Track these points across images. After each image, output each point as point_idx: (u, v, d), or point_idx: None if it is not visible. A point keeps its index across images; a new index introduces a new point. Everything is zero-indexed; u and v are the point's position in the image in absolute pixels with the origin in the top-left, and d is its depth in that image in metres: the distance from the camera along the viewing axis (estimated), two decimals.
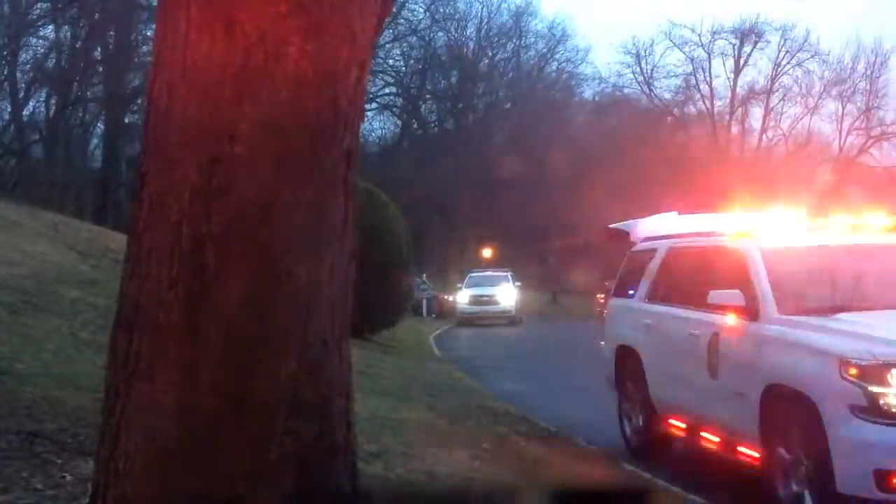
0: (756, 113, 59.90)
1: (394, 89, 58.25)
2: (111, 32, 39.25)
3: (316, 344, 3.22)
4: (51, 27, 38.53)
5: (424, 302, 39.67)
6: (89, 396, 5.66)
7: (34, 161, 39.34)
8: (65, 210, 25.66)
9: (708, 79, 59.49)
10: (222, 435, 3.07)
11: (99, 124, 42.32)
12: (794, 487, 6.40)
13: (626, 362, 9.47)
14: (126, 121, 38.79)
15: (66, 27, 38.85)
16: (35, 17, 38.30)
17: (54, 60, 39.47)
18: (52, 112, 39.61)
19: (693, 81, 59.96)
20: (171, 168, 3.15)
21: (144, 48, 35.74)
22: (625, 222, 10.98)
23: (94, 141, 43.62)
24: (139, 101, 34.65)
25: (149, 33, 33.97)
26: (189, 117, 3.12)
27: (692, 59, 58.89)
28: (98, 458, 3.29)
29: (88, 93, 40.23)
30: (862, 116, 56.70)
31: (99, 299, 10.71)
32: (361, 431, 4.02)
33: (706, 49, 58.58)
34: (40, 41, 39.27)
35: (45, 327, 9.26)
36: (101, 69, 39.99)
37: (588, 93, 63.54)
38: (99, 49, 39.98)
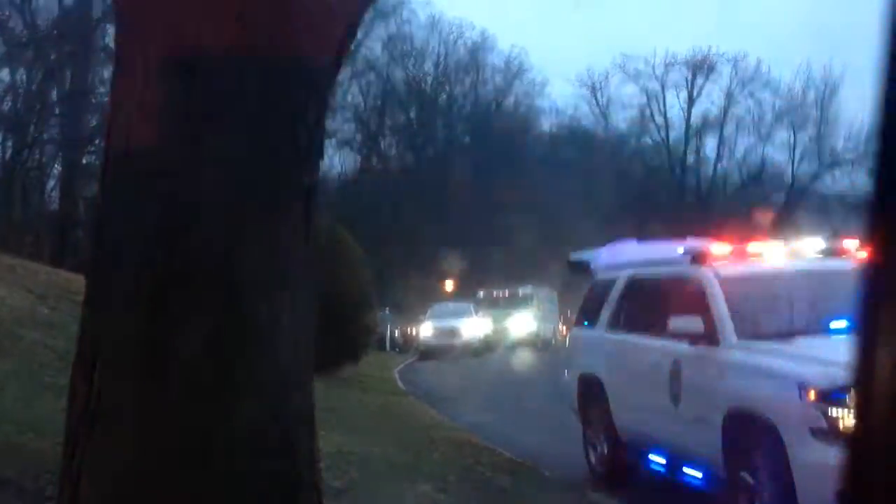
0: (710, 143, 60.78)
1: (353, 125, 58.34)
2: (68, 74, 39.03)
3: (279, 381, 3.22)
4: (6, 70, 38.24)
5: (388, 336, 39.55)
6: (50, 441, 5.58)
7: None
8: (22, 252, 25.31)
9: (662, 110, 60.33)
10: (185, 476, 3.05)
11: (56, 166, 41.96)
12: None
13: (590, 391, 9.51)
14: (84, 162, 38.48)
15: (22, 69, 38.58)
16: None
17: (10, 103, 39.14)
18: (8, 154, 39.22)
19: (648, 113, 60.76)
20: (130, 209, 3.15)
21: (101, 89, 35.51)
22: (585, 252, 11.07)
23: (52, 182, 43.21)
24: (97, 142, 34.43)
25: (106, 74, 33.81)
26: (147, 158, 3.12)
27: (646, 91, 59.72)
28: (59, 502, 3.25)
29: (45, 135, 39.89)
30: (813, 144, 57.68)
31: (58, 342, 10.57)
32: (327, 468, 4.01)
33: (660, 81, 59.46)
34: None
35: (3, 370, 9.12)
36: (57, 111, 39.71)
37: (545, 125, 64.14)
38: (55, 91, 39.72)
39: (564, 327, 37.26)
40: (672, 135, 60.68)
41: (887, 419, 1.23)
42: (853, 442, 1.35)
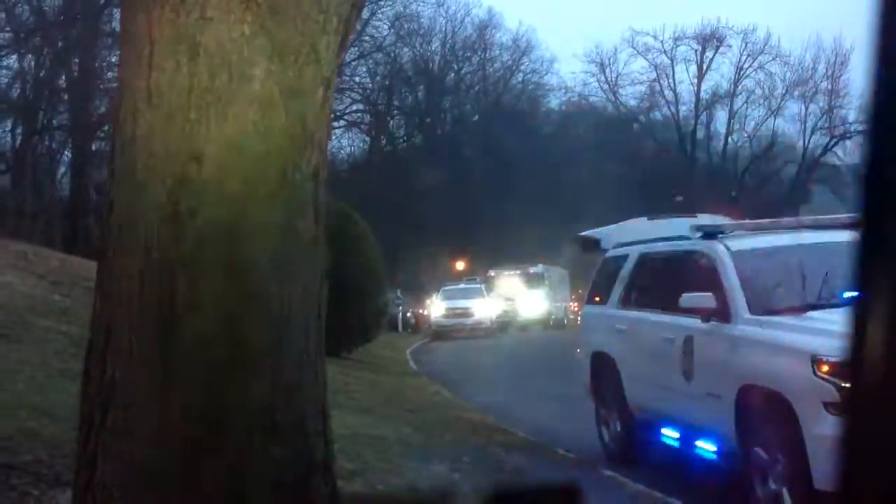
0: (721, 117, 60.51)
1: (361, 106, 58.26)
2: (75, 60, 39.04)
3: (291, 363, 3.23)
4: (14, 57, 38.28)
5: (400, 317, 39.67)
6: (65, 426, 5.62)
7: (1, 191, 39.00)
8: (34, 239, 25.42)
9: (672, 85, 60.01)
10: (199, 459, 3.06)
11: (66, 152, 42.05)
12: (772, 486, 6.44)
13: (602, 369, 9.50)
14: (93, 147, 38.54)
15: (30, 56, 38.61)
16: None
17: (19, 90, 39.20)
18: (18, 141, 39.31)
19: (657, 88, 60.45)
20: (138, 193, 3.15)
21: (109, 74, 35.52)
22: (596, 230, 11.05)
23: (62, 169, 43.33)
24: (106, 128, 34.46)
25: (113, 59, 33.79)
26: (155, 141, 3.12)
27: (656, 66, 59.39)
28: (75, 487, 3.27)
29: (54, 121, 39.97)
30: (824, 116, 57.36)
31: (71, 328, 10.62)
32: (340, 449, 4.02)
33: (669, 55, 59.12)
34: (4, 71, 39.01)
35: (17, 357, 9.17)
36: (66, 97, 39.75)
37: (554, 102, 63.93)
38: (64, 77, 39.75)
39: (576, 305, 37.32)
40: (682, 109, 60.43)
41: (879, 396, 1.22)
42: (847, 417, 1.35)
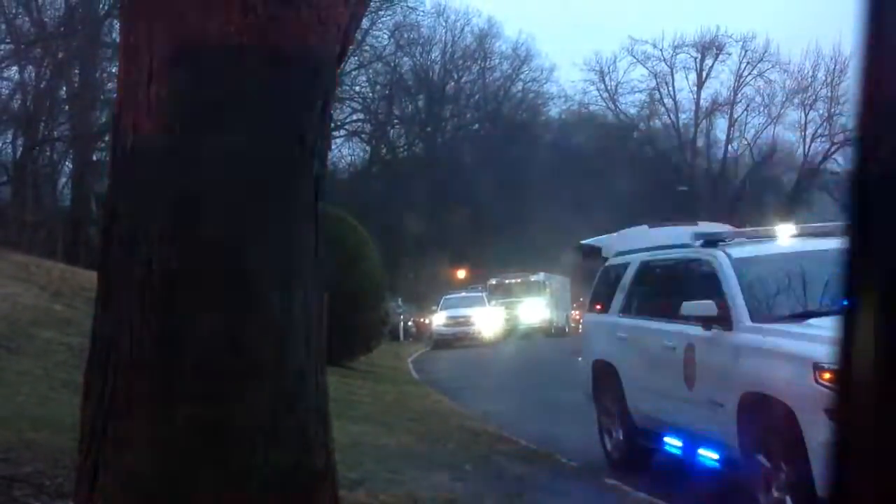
0: (720, 124, 60.57)
1: (361, 115, 58.33)
2: (76, 71, 39.10)
3: (292, 373, 3.23)
4: (14, 68, 38.34)
5: (401, 326, 39.68)
6: (66, 437, 5.61)
7: (2, 202, 39.03)
8: (35, 250, 25.44)
9: (672, 93, 60.10)
10: (201, 469, 3.06)
11: (67, 163, 42.10)
12: (776, 494, 6.43)
13: (604, 377, 9.50)
14: (94, 158, 38.59)
15: (31, 67, 38.67)
16: None
17: (19, 101, 39.24)
18: (19, 152, 39.35)
19: (657, 96, 60.55)
20: (139, 204, 3.15)
21: (109, 85, 35.59)
22: (597, 238, 11.05)
23: (63, 180, 43.37)
24: (106, 139, 34.48)
25: (113, 70, 33.84)
26: (155, 152, 3.13)
27: (655, 74, 59.48)
28: (77, 497, 3.27)
29: (55, 132, 40.01)
30: (824, 123, 57.43)
31: (73, 339, 10.62)
32: (342, 459, 4.01)
33: (668, 63, 59.22)
34: (5, 82, 39.05)
35: (19, 369, 9.17)
36: (67, 108, 39.80)
37: (554, 111, 64.00)
38: (64, 88, 39.80)
39: (577, 313, 37.34)
40: (682, 117, 60.52)
41: (868, 399, 1.23)
42: (838, 422, 1.35)
